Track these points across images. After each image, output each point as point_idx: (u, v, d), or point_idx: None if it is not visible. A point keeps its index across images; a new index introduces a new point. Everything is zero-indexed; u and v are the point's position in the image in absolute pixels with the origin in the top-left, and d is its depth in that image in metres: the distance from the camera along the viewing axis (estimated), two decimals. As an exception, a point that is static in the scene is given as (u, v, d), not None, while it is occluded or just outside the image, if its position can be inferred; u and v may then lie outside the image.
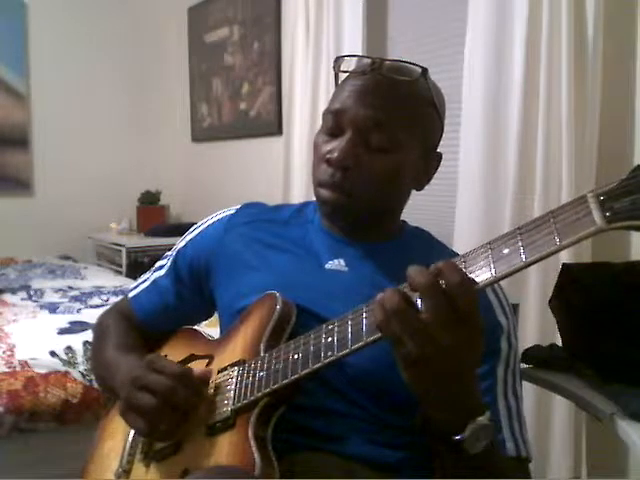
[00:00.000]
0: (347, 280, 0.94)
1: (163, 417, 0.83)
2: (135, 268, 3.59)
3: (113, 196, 4.14)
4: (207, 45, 3.91)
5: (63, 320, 2.33)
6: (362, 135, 0.90)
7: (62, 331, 2.19)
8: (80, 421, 1.84)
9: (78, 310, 2.51)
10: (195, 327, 1.12)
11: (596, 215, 0.58)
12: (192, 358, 0.99)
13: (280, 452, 0.79)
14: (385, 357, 0.75)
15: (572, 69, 1.67)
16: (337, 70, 0.98)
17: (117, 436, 0.99)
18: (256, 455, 0.75)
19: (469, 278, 0.66)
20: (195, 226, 1.12)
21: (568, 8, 1.67)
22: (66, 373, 1.89)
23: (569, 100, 1.68)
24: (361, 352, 0.74)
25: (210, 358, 0.96)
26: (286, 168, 2.91)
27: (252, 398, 0.81)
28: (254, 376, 0.83)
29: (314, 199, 0.99)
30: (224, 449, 0.81)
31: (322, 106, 2.56)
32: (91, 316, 2.23)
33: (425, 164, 0.98)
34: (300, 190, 2.78)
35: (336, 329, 0.76)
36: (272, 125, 3.29)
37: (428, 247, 1.01)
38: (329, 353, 0.75)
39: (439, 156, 1.00)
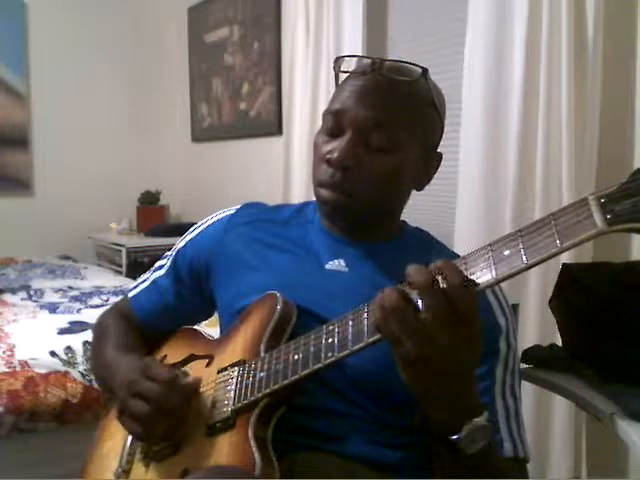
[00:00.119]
0: (347, 280, 0.94)
1: (157, 423, 0.84)
2: (135, 268, 3.59)
3: (113, 196, 4.13)
4: (207, 45, 3.91)
5: (63, 320, 2.33)
6: (362, 135, 0.90)
7: (62, 331, 2.19)
8: (80, 421, 1.84)
9: (78, 310, 2.51)
10: (195, 327, 1.12)
11: (597, 217, 0.58)
12: (192, 358, 0.99)
13: (280, 452, 0.79)
14: (385, 358, 0.75)
15: (572, 69, 1.67)
16: (337, 70, 0.98)
17: (117, 436, 0.99)
18: (256, 455, 0.76)
19: (470, 280, 0.66)
20: (195, 226, 1.12)
21: (568, 8, 1.67)
22: (66, 373, 1.89)
23: (569, 100, 1.68)
24: (361, 353, 0.74)
25: (210, 358, 0.96)
26: (286, 168, 2.90)
27: (252, 398, 0.82)
28: (254, 376, 0.83)
29: (314, 199, 0.99)
30: (224, 449, 0.81)
31: (322, 106, 2.56)
32: (91, 316, 2.22)
33: (425, 164, 0.98)
34: (300, 190, 2.78)
35: (336, 330, 0.76)
36: (272, 125, 3.29)
37: (428, 247, 1.01)
38: (329, 354, 0.75)
39: (439, 156, 1.00)
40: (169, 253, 1.13)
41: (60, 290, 2.93)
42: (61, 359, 1.95)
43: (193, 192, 4.18)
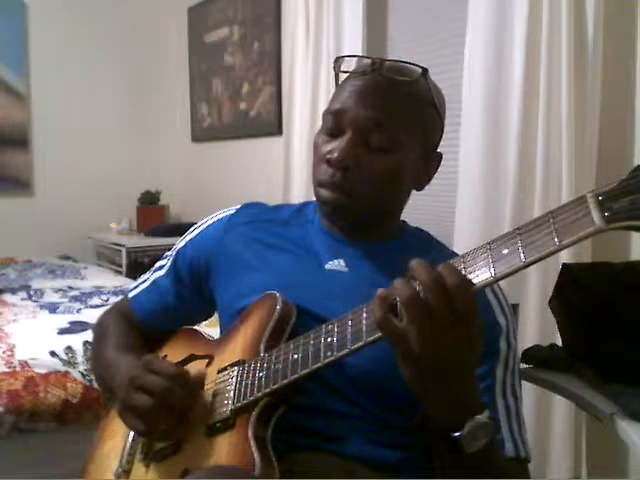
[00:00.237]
0: (347, 280, 0.94)
1: (160, 418, 0.84)
2: (135, 268, 3.59)
3: (113, 196, 4.14)
4: (207, 45, 3.91)
5: (63, 320, 2.33)
6: (362, 135, 0.91)
7: (62, 331, 2.19)
8: (80, 421, 1.84)
9: (78, 310, 2.51)
10: (195, 327, 1.12)
11: (595, 215, 0.59)
12: (192, 358, 0.99)
13: (280, 452, 0.79)
14: (385, 357, 0.75)
15: (572, 69, 1.67)
16: (337, 70, 0.98)
17: (117, 436, 0.99)
18: (256, 455, 0.75)
19: (467, 279, 0.66)
20: (195, 226, 1.12)
21: (568, 8, 1.67)
22: (66, 373, 1.89)
23: (569, 100, 1.68)
24: (361, 352, 0.74)
25: (210, 358, 0.96)
26: (286, 168, 2.90)
27: (252, 398, 0.82)
28: (254, 376, 0.83)
29: (314, 199, 0.99)
30: (224, 449, 0.81)
31: (322, 106, 2.56)
32: (91, 316, 2.23)
33: (425, 164, 0.98)
34: (300, 190, 2.78)
35: (336, 329, 0.76)
36: (272, 125, 3.29)
37: (428, 247, 1.01)
38: (329, 353, 0.75)
39: (439, 156, 1.00)
40: (169, 253, 1.13)
41: (60, 290, 2.93)
42: (61, 359, 1.95)
43: (193, 192, 4.19)
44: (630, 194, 0.57)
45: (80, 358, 1.96)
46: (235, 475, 0.75)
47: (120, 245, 3.77)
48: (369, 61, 0.93)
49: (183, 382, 0.85)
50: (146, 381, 0.84)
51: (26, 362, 1.91)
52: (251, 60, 3.48)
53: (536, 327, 1.77)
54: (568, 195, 1.69)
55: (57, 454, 1.81)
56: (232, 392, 0.85)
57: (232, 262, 1.02)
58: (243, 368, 0.86)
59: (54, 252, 3.89)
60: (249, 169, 3.53)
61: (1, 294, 2.82)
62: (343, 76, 0.98)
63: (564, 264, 1.33)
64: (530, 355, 1.34)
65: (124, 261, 3.72)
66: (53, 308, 2.54)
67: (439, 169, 1.00)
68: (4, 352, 1.98)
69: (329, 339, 0.76)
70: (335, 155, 0.90)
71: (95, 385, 1.82)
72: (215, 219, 1.10)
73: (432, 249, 1.01)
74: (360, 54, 2.32)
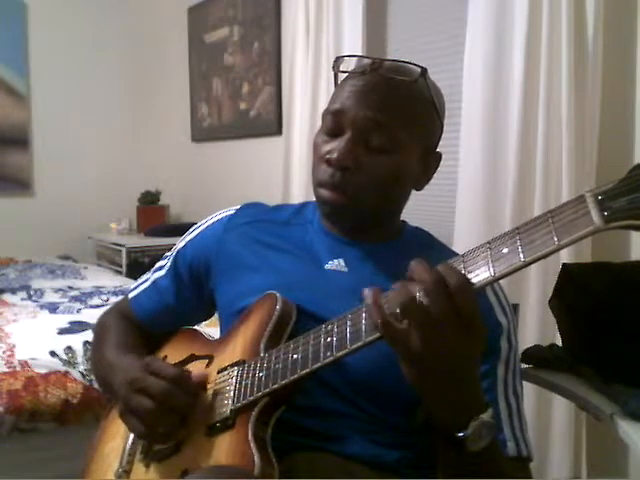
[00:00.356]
0: (347, 280, 0.94)
1: (160, 420, 0.84)
2: (135, 268, 3.59)
3: (113, 196, 4.14)
4: (207, 45, 3.91)
5: (63, 320, 2.33)
6: (362, 135, 0.90)
7: (62, 331, 2.19)
8: (80, 421, 1.84)
9: (78, 310, 2.51)
10: (195, 327, 1.12)
11: (594, 214, 0.59)
12: (192, 358, 0.99)
13: (280, 452, 0.79)
14: (384, 358, 0.75)
15: (572, 69, 1.67)
16: (337, 70, 0.98)
17: (117, 437, 0.99)
18: (256, 455, 0.75)
19: (467, 278, 0.66)
20: (195, 226, 1.12)
21: (568, 8, 1.67)
22: (66, 373, 1.89)
23: (569, 100, 1.68)
24: (360, 353, 0.74)
25: (210, 358, 0.96)
26: (286, 168, 2.91)
27: (252, 398, 0.82)
28: (254, 376, 0.83)
29: (314, 199, 0.99)
30: (224, 449, 0.81)
31: (322, 106, 2.56)
32: (91, 316, 2.23)
33: (425, 164, 0.98)
34: (300, 190, 2.78)
35: (335, 329, 0.76)
36: (272, 125, 3.29)
37: (428, 247, 1.01)
38: (328, 353, 0.75)
39: (439, 156, 1.00)
40: (169, 253, 1.13)
41: (60, 290, 2.94)
42: (61, 359, 1.95)
43: (193, 192, 4.19)
44: (629, 193, 0.57)
45: (80, 358, 1.96)
46: (235, 475, 0.75)
47: (120, 245, 3.77)
48: (368, 61, 0.93)
49: (184, 385, 0.85)
50: (147, 384, 0.84)
51: (26, 362, 1.91)
52: (251, 60, 3.48)
53: (536, 327, 1.77)
54: (568, 195, 1.69)
55: (57, 454, 1.81)
56: (232, 392, 0.85)
57: (232, 262, 1.02)
58: (243, 368, 0.86)
59: (54, 252, 3.89)
60: (249, 169, 3.53)
61: (1, 294, 2.83)
62: (342, 76, 0.97)
63: (564, 264, 1.33)
64: (530, 355, 1.34)
65: (124, 261, 3.72)
66: (53, 308, 2.54)
67: (439, 169, 1.00)
68: (4, 352, 1.98)
69: (329, 339, 0.76)
70: (335, 155, 0.90)
71: (95, 385, 1.82)
72: (215, 219, 1.10)
73: (432, 249, 1.01)
74: (360, 54, 2.32)
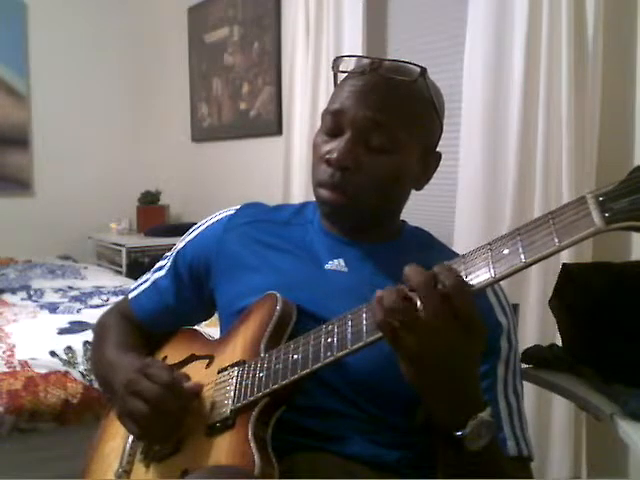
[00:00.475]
0: (347, 280, 0.94)
1: (155, 424, 0.84)
2: (135, 268, 3.59)
3: (113, 196, 4.13)
4: (207, 45, 3.91)
5: (63, 320, 2.33)
6: (361, 135, 0.90)
7: (62, 331, 2.19)
8: (80, 421, 1.84)
9: (78, 310, 2.51)
10: (195, 327, 1.12)
11: (595, 216, 0.59)
12: (192, 358, 0.99)
13: (280, 452, 0.79)
14: (384, 358, 0.75)
15: (572, 69, 1.67)
16: (336, 70, 0.98)
17: (118, 436, 0.99)
18: (256, 455, 0.75)
19: (462, 279, 0.66)
20: (195, 227, 1.12)
21: (568, 8, 1.67)
22: (66, 373, 1.89)
23: (569, 100, 1.68)
24: (361, 353, 0.74)
25: (210, 358, 0.96)
26: (286, 168, 2.90)
27: (252, 398, 0.82)
28: (254, 376, 0.83)
29: (314, 199, 0.99)
30: (224, 449, 0.81)
31: (322, 106, 2.56)
32: (91, 316, 2.23)
33: (424, 164, 0.98)
34: (300, 190, 2.78)
35: (336, 329, 0.76)
36: (272, 125, 3.29)
37: (428, 247, 1.01)
38: (329, 353, 0.76)
39: (439, 156, 1.00)
40: (169, 254, 1.13)
41: (60, 290, 2.94)
42: (61, 359, 1.95)
43: (193, 192, 4.19)
44: (630, 194, 0.57)
45: (80, 358, 1.96)
46: (235, 475, 0.75)
47: (120, 245, 3.77)
48: (368, 61, 0.93)
49: (177, 391, 0.85)
50: (142, 387, 0.84)
51: (26, 362, 1.91)
52: (251, 60, 3.48)
53: (536, 327, 1.77)
54: (568, 195, 1.69)
55: (57, 454, 1.81)
56: (232, 392, 0.85)
57: (232, 262, 1.02)
58: (243, 368, 0.86)
59: (54, 252, 3.89)
60: (249, 169, 3.53)
61: (1, 294, 2.83)
62: (342, 76, 0.97)
63: (564, 264, 1.33)
64: (530, 355, 1.34)
65: (124, 261, 3.72)
66: (53, 308, 2.54)
67: (439, 169, 1.00)
68: (4, 352, 1.98)
69: (329, 339, 0.76)
70: (334, 155, 0.90)
71: (95, 385, 1.82)
72: (215, 219, 1.10)
73: (432, 249, 1.01)
74: (359, 54, 2.32)
